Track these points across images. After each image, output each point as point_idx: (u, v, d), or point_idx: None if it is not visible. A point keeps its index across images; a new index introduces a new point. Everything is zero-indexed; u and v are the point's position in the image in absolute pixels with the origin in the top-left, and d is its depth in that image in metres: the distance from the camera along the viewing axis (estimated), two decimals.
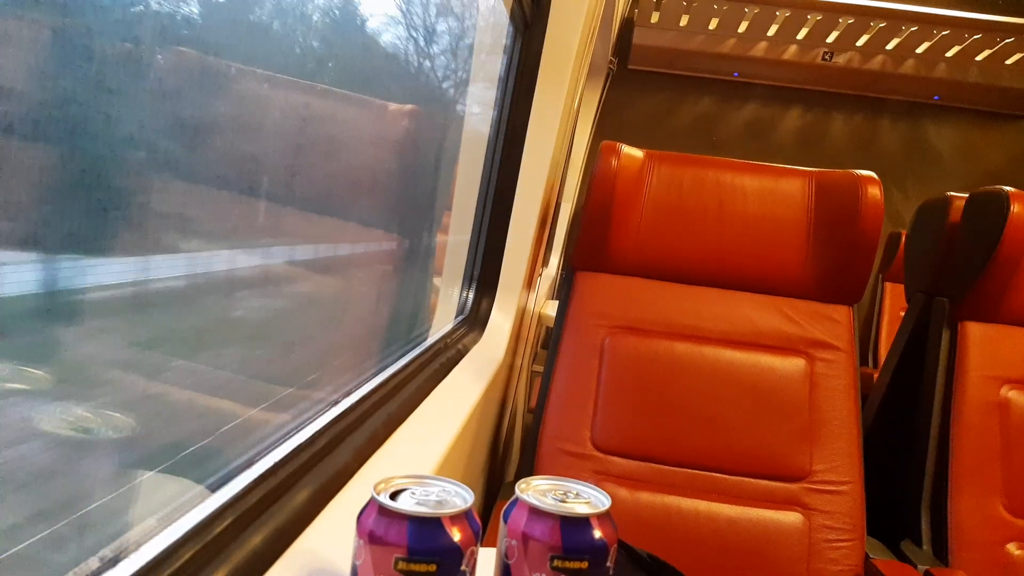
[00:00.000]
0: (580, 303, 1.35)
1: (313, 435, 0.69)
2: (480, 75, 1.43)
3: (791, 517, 1.19)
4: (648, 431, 1.25)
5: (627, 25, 3.37)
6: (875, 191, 1.27)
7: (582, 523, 0.46)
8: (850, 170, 1.32)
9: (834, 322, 1.32)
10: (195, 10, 0.51)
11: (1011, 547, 1.27)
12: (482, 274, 1.48)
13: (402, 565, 0.42)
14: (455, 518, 0.43)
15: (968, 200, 1.49)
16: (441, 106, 1.37)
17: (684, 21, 3.26)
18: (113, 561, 0.45)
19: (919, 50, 3.21)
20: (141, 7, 0.45)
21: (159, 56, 0.47)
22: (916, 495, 1.39)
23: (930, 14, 3.01)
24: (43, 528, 0.45)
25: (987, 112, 3.44)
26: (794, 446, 1.23)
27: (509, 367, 1.55)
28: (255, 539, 0.52)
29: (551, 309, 1.84)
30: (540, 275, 2.00)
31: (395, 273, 1.23)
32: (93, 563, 0.45)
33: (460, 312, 1.48)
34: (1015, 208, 1.34)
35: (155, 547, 0.47)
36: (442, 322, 1.43)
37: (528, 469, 1.27)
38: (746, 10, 3.10)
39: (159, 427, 0.55)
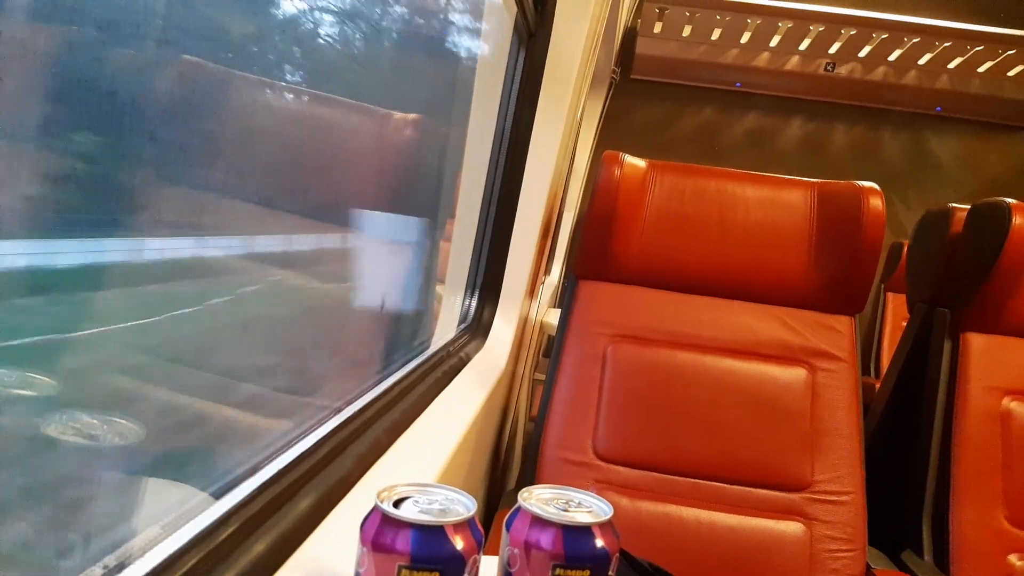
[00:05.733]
0: (582, 311, 1.36)
1: (316, 443, 0.70)
2: (484, 82, 1.44)
3: (792, 527, 1.19)
4: (650, 440, 1.25)
5: (630, 35, 3.38)
6: (877, 202, 1.28)
7: (584, 532, 0.46)
8: (852, 181, 1.33)
9: (836, 332, 1.32)
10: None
11: (1012, 558, 1.27)
12: (485, 282, 1.49)
13: (405, 573, 0.42)
14: (458, 526, 0.44)
15: (970, 211, 1.49)
16: (445, 113, 1.38)
17: (687, 31, 3.27)
18: (117, 568, 0.45)
19: (921, 61, 3.22)
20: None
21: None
22: (917, 505, 1.39)
23: (932, 26, 3.02)
24: (47, 534, 0.45)
25: (989, 123, 3.45)
26: (795, 456, 1.23)
27: (511, 375, 1.55)
28: (259, 546, 0.52)
29: (553, 317, 1.84)
30: (542, 283, 2.00)
31: (398, 281, 1.23)
32: (97, 570, 0.45)
33: (462, 320, 1.48)
34: (1016, 219, 1.34)
35: (159, 554, 0.47)
36: (445, 330, 1.43)
37: (530, 478, 1.26)
38: (748, 21, 3.11)
39: None
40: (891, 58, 3.22)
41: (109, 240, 0.49)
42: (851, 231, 1.28)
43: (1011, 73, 3.20)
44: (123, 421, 0.50)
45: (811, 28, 3.10)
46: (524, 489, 0.50)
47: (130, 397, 0.53)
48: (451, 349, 1.28)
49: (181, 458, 0.60)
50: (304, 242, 0.83)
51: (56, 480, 0.47)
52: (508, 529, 0.48)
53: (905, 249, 2.93)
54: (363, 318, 1.09)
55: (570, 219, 3.36)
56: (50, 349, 0.45)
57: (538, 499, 0.50)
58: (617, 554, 0.47)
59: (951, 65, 3.21)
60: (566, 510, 0.48)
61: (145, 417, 0.52)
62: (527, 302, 1.61)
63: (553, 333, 1.44)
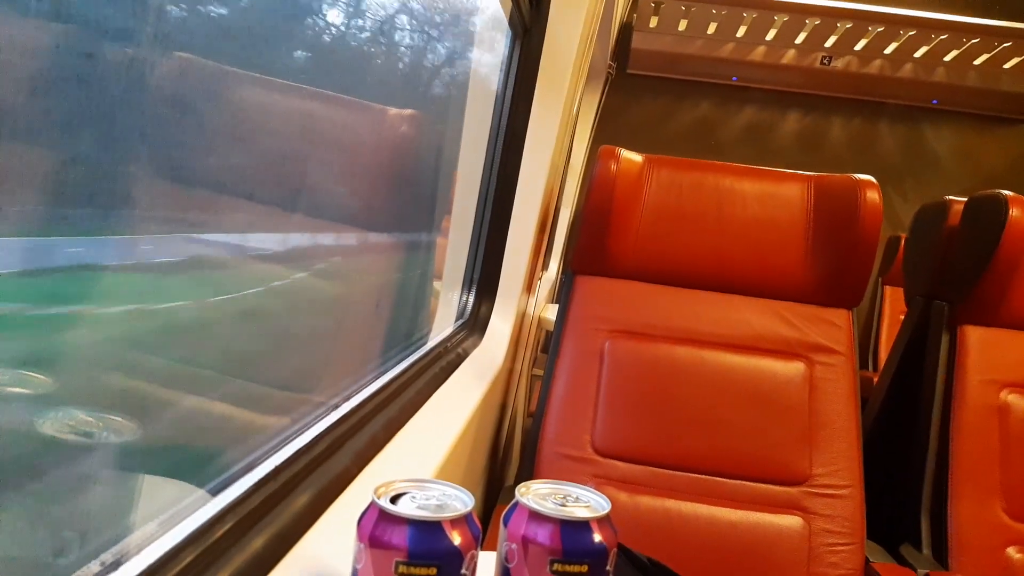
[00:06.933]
0: (580, 307, 1.36)
1: (314, 439, 0.69)
2: (479, 78, 1.44)
3: (791, 521, 1.19)
4: (648, 435, 1.25)
5: (626, 29, 3.38)
6: (874, 195, 1.28)
7: (582, 527, 0.46)
8: (849, 174, 1.33)
9: (834, 326, 1.32)
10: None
11: (1011, 551, 1.27)
12: (482, 278, 1.48)
13: (402, 569, 0.42)
14: (455, 522, 0.43)
15: (967, 204, 1.49)
16: (441, 109, 1.37)
17: (683, 25, 3.26)
18: (114, 565, 0.45)
19: (917, 54, 3.22)
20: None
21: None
22: (916, 499, 1.39)
23: (928, 18, 3.02)
24: (44, 531, 0.45)
25: (985, 116, 3.45)
26: (794, 450, 1.23)
27: (509, 371, 1.55)
28: (256, 543, 0.52)
29: (551, 313, 1.84)
30: (540, 279, 2.00)
31: (395, 277, 1.23)
32: (94, 567, 0.45)
33: (460, 316, 1.48)
34: (1013, 212, 1.34)
35: (156, 551, 0.47)
36: (442, 326, 1.43)
37: (528, 473, 1.26)
38: (744, 14, 3.10)
39: None
40: (887, 51, 3.22)
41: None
42: (848, 224, 1.28)
43: (1007, 66, 3.20)
44: (119, 418, 0.49)
45: (807, 22, 3.10)
46: (522, 484, 0.50)
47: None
48: (448, 345, 1.28)
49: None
50: (298, 240, 0.83)
51: (52, 477, 0.47)
52: (506, 524, 0.48)
53: (902, 242, 2.94)
54: (358, 315, 1.08)
55: (567, 215, 3.36)
56: None
57: (536, 494, 0.49)
58: (615, 549, 0.47)
59: (947, 58, 3.21)
60: (564, 505, 0.48)
61: None
62: (524, 298, 1.61)
63: (551, 329, 1.44)
